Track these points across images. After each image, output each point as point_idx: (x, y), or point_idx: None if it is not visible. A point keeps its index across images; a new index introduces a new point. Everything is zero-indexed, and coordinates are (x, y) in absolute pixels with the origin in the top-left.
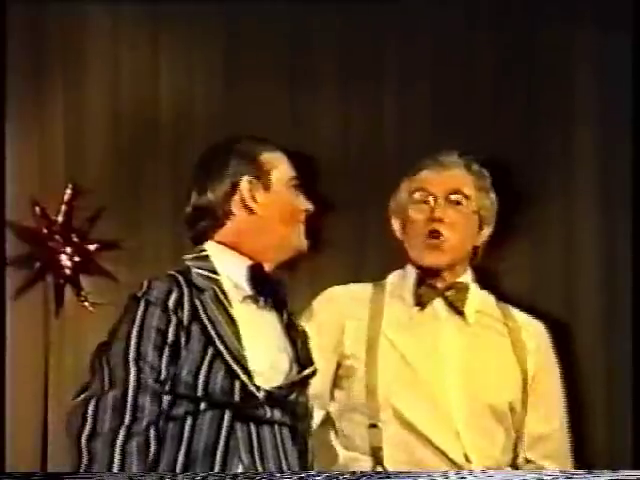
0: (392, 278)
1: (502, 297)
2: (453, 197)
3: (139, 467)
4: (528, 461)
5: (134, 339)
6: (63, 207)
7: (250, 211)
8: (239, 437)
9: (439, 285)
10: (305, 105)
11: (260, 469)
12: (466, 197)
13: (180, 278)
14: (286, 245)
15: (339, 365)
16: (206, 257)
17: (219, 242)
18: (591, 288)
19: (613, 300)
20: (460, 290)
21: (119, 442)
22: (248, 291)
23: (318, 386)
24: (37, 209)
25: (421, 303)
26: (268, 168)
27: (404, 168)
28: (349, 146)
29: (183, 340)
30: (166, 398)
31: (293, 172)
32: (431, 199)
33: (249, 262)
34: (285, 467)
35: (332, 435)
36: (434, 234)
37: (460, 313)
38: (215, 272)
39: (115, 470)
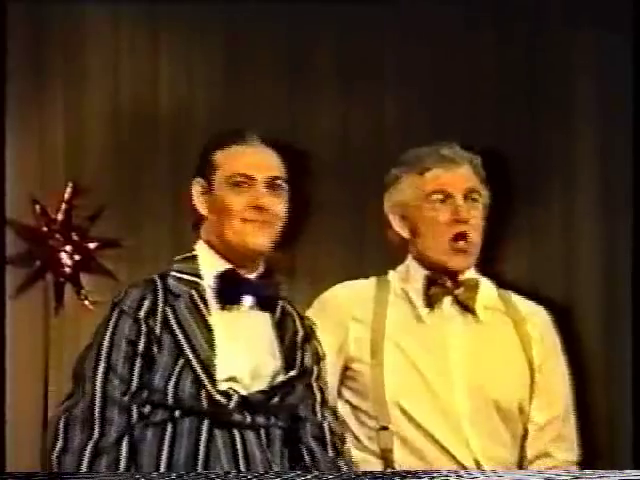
0: (395, 275)
1: (503, 285)
2: (471, 196)
3: None
4: (536, 456)
5: (105, 350)
6: (63, 205)
7: (201, 213)
8: (219, 444)
9: (449, 284)
10: (305, 104)
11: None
12: (480, 194)
13: (158, 283)
14: (237, 246)
15: (346, 366)
16: (193, 257)
17: (205, 241)
18: (591, 280)
19: (613, 291)
20: (470, 288)
21: (87, 459)
22: (216, 300)
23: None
24: (37, 207)
25: (431, 304)
26: (214, 168)
27: None
28: (349, 145)
29: (155, 349)
30: (140, 406)
31: (239, 168)
32: (452, 200)
33: (223, 268)
34: (275, 470)
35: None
36: (462, 237)
37: (470, 311)
38: (198, 275)
39: None
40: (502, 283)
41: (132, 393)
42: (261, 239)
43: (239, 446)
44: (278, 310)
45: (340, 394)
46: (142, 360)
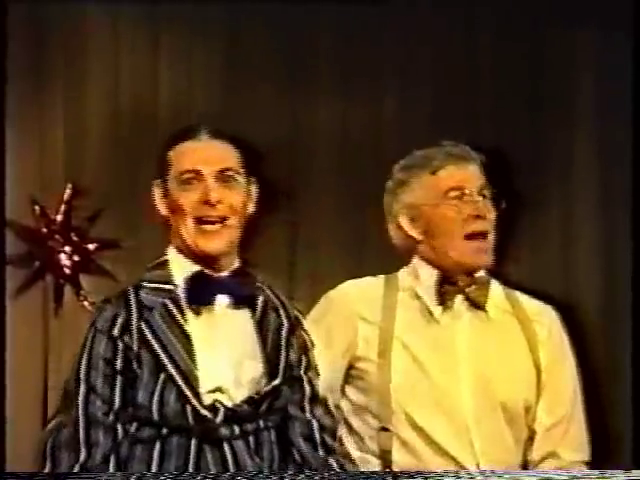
0: (404, 274)
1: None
2: (484, 192)
3: None
4: (543, 457)
5: (84, 371)
6: (62, 206)
7: (161, 215)
8: (209, 459)
9: (461, 283)
10: (304, 104)
11: None
12: (490, 192)
13: (131, 297)
14: (192, 247)
15: (351, 366)
16: (165, 263)
17: (174, 245)
18: (591, 281)
19: (613, 292)
20: (482, 286)
21: None
22: (186, 303)
23: (327, 388)
24: (37, 208)
25: (443, 302)
26: (168, 167)
27: None
28: (348, 144)
29: (135, 365)
30: (125, 424)
31: (188, 165)
32: (468, 196)
33: (193, 270)
34: (269, 470)
35: (344, 433)
36: (482, 236)
37: (481, 308)
38: (170, 282)
39: None
40: (505, 284)
41: (115, 412)
42: (215, 243)
43: (229, 458)
44: (259, 306)
45: (344, 392)
46: (122, 378)
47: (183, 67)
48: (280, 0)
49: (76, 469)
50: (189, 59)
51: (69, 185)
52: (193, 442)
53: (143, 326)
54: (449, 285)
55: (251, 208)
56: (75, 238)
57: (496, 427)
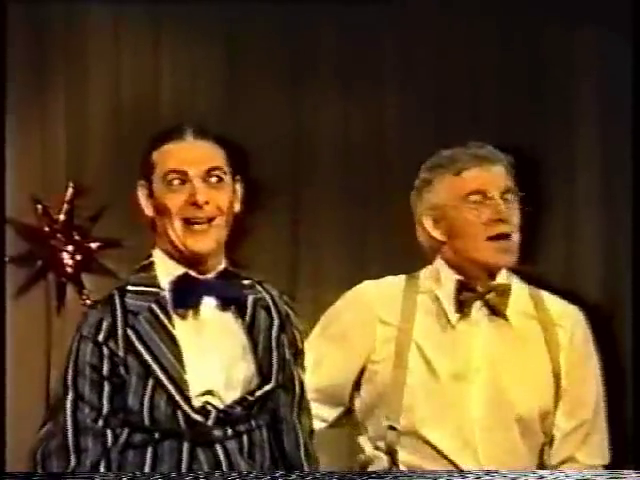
0: (425, 275)
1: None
2: (507, 196)
3: None
4: (561, 461)
5: (71, 377)
6: (65, 206)
7: (146, 216)
8: (202, 461)
9: (480, 289)
10: (306, 105)
11: None
12: (516, 193)
13: (117, 302)
14: (179, 248)
15: (365, 367)
16: (150, 265)
17: (159, 245)
18: (593, 277)
19: (615, 289)
20: (502, 293)
21: None
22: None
23: (337, 386)
24: (39, 207)
25: (462, 309)
26: (151, 168)
27: (406, 166)
28: (351, 144)
29: (122, 371)
30: (116, 429)
31: (173, 165)
32: (491, 200)
33: (178, 272)
34: (260, 470)
35: (357, 431)
36: (504, 237)
37: (502, 316)
38: (156, 285)
39: None
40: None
41: (104, 417)
42: (203, 243)
43: (222, 460)
44: (249, 306)
45: (358, 390)
46: (110, 383)
47: (185, 66)
48: (282, 0)
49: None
50: (190, 59)
51: (71, 184)
52: (185, 446)
53: (129, 332)
54: (468, 292)
55: (237, 207)
56: (77, 237)
57: (508, 439)
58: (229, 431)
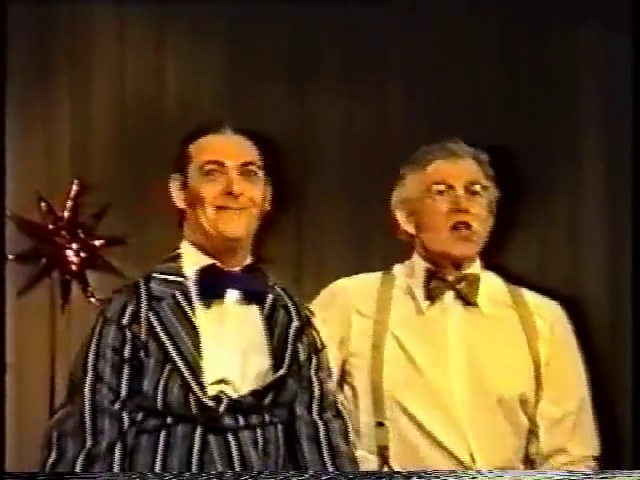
0: (399, 270)
1: (511, 278)
2: (472, 188)
3: None
4: (551, 452)
5: (91, 359)
6: (69, 203)
7: (180, 208)
8: (214, 449)
9: (450, 278)
10: (309, 101)
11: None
12: (483, 188)
13: (141, 287)
14: (216, 234)
15: (344, 362)
16: (177, 257)
17: (187, 239)
18: (596, 275)
19: (618, 286)
20: (471, 282)
21: (79, 467)
22: (198, 296)
23: None
24: (43, 205)
25: (432, 297)
26: (188, 161)
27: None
28: (353, 140)
29: (142, 355)
30: (132, 413)
31: (210, 156)
32: (452, 191)
33: (204, 264)
34: (275, 467)
35: None
36: (463, 225)
37: (472, 305)
38: (181, 274)
39: None
40: (508, 278)
41: (122, 400)
42: (235, 226)
43: (234, 449)
44: (268, 303)
45: (340, 389)
46: (129, 367)
47: (189, 65)
48: (287, 0)
49: (81, 457)
50: (195, 57)
51: (75, 181)
52: (198, 432)
53: (152, 316)
54: (437, 280)
55: (267, 206)
56: (82, 235)
57: (491, 419)
58: (241, 420)
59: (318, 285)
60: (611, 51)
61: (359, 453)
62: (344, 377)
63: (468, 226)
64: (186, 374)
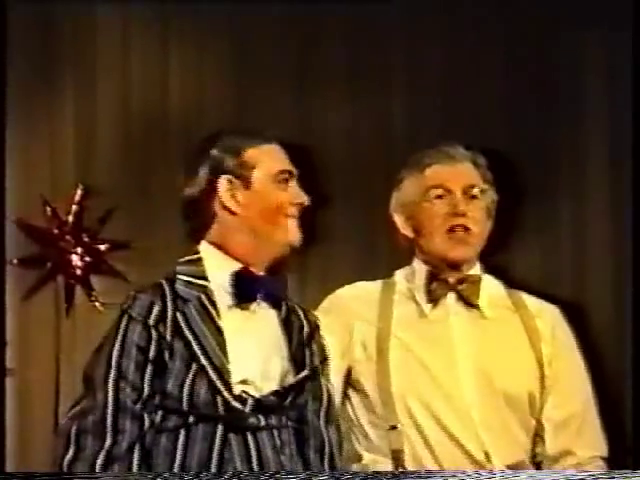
0: (400, 275)
1: (512, 284)
2: (470, 192)
3: None
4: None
5: (115, 357)
6: (74, 207)
7: (230, 212)
8: (234, 448)
9: (451, 280)
10: (314, 105)
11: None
12: (481, 191)
13: (166, 288)
14: (273, 243)
15: (350, 369)
16: (198, 260)
17: (210, 242)
18: (601, 279)
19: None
20: (472, 283)
21: (99, 467)
22: (232, 299)
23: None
24: (48, 209)
25: (433, 299)
26: (250, 165)
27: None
28: (358, 143)
29: (167, 354)
30: (152, 413)
31: (282, 165)
32: (450, 194)
33: (235, 267)
34: (290, 468)
35: (354, 437)
36: (460, 228)
37: (474, 306)
38: (204, 278)
39: None
40: (511, 282)
41: (144, 400)
42: (299, 234)
43: (252, 449)
44: (283, 307)
45: (347, 396)
46: (153, 367)
47: (194, 68)
48: (290, 2)
49: (101, 456)
50: (200, 60)
51: (80, 186)
52: (218, 432)
53: (178, 316)
54: (438, 282)
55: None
56: (86, 239)
57: (502, 418)
58: (262, 420)
59: (323, 290)
60: (614, 54)
61: (371, 457)
62: (351, 384)
63: (465, 229)
64: (212, 375)
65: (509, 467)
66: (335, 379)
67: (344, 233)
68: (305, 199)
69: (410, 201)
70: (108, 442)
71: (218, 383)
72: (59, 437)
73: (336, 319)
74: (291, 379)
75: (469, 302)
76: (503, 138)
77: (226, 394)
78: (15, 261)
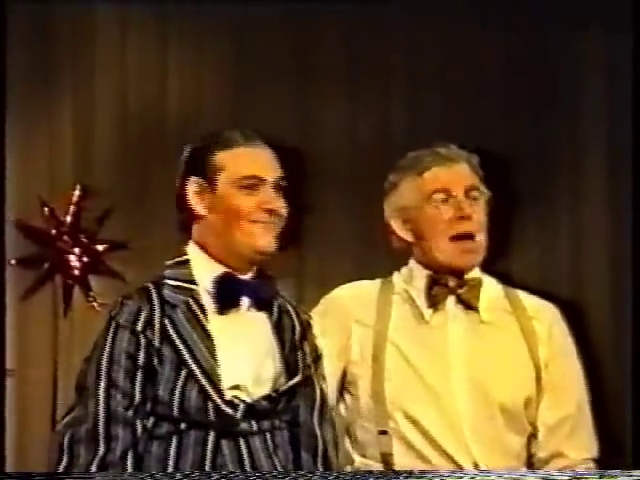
0: (398, 277)
1: (511, 284)
2: (472, 194)
3: None
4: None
5: (105, 365)
6: (71, 208)
7: (197, 213)
8: (226, 454)
9: (451, 284)
10: (313, 106)
11: None
12: (480, 192)
13: (153, 293)
14: (239, 247)
15: (345, 371)
16: (186, 262)
17: (195, 242)
18: (598, 279)
19: (620, 290)
20: (473, 287)
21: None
22: (215, 304)
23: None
24: (46, 210)
25: (434, 304)
26: (218, 168)
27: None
28: (357, 143)
29: (156, 360)
30: (144, 419)
31: (249, 171)
32: (454, 198)
33: (219, 271)
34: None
35: (347, 440)
36: (468, 237)
37: (473, 310)
38: (192, 281)
39: None
40: (510, 282)
41: (135, 407)
42: (268, 240)
43: (245, 454)
44: (275, 309)
45: (341, 397)
46: (143, 373)
47: (192, 68)
48: (290, 2)
49: (95, 463)
50: (198, 61)
51: (78, 186)
52: (210, 438)
53: (166, 321)
54: (439, 287)
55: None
56: (84, 239)
57: (493, 428)
58: (254, 426)
59: (320, 292)
60: (613, 54)
61: (361, 460)
62: (345, 386)
63: (472, 237)
64: (203, 381)
65: None
66: (330, 380)
67: (342, 233)
68: (277, 205)
69: (409, 206)
70: (101, 450)
71: (208, 388)
72: (52, 446)
73: (333, 320)
74: (283, 382)
75: (469, 305)
76: (502, 138)
77: (217, 399)
78: (13, 261)
